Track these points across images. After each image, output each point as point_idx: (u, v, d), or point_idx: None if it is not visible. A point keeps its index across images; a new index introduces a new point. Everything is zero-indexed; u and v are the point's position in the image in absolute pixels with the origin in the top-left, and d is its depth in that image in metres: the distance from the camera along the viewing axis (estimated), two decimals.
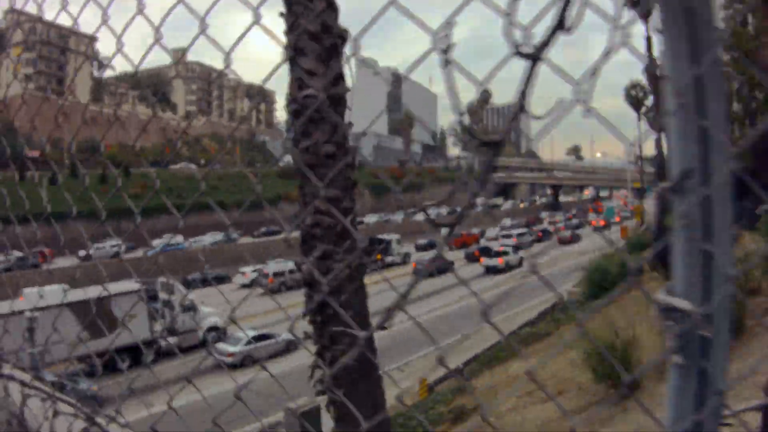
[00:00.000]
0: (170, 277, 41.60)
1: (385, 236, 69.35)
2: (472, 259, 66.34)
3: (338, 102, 5.64)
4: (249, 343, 34.33)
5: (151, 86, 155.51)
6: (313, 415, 16.84)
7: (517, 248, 67.31)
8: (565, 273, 54.81)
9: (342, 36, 5.58)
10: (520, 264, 61.08)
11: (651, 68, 66.16)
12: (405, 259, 67.64)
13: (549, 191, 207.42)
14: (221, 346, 35.08)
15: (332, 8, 5.52)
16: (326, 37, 5.39)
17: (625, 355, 12.13)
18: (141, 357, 30.88)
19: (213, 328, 38.95)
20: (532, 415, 12.28)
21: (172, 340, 35.89)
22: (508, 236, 78.49)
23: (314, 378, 5.66)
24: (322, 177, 5.32)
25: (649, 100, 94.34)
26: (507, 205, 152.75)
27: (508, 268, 59.06)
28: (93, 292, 25.54)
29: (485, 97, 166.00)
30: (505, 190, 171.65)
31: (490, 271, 58.77)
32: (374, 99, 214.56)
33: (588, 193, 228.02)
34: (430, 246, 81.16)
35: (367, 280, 28.26)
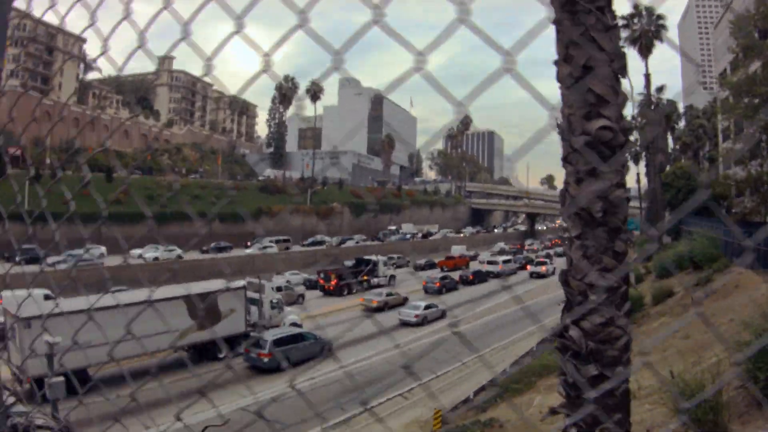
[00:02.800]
0: (261, 278, 45.01)
1: (372, 257, 68.66)
2: (467, 282, 66.74)
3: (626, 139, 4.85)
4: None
5: (134, 91, 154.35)
6: None
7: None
8: (556, 301, 54.93)
9: (623, 59, 4.86)
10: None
11: (648, 104, 67.07)
12: (390, 281, 67.34)
13: (523, 219, 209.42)
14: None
15: (615, 26, 4.78)
16: (617, 59, 4.72)
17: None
18: (236, 347, 36.58)
19: (294, 324, 42.86)
20: None
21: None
22: (494, 263, 78.32)
23: None
24: (605, 226, 4.71)
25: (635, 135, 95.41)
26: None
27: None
28: (198, 288, 32.31)
29: (466, 122, 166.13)
30: (480, 217, 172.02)
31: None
32: (355, 118, 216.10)
33: (559, 222, 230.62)
34: (429, 266, 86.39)
35: (354, 300, 28.14)
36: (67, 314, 27.31)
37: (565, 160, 4.73)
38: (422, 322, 48.34)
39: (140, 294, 31.72)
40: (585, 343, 4.78)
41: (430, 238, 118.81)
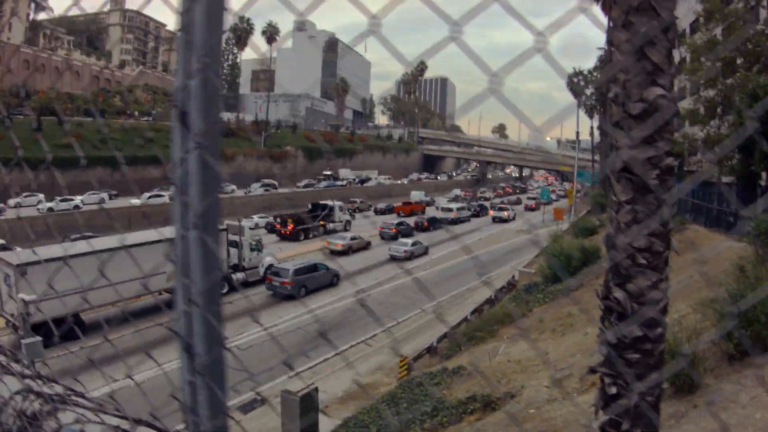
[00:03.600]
0: (240, 220, 45.38)
1: (328, 202, 68.89)
2: (422, 229, 67.51)
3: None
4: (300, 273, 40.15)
5: (87, 32, 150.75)
6: (312, 399, 16.90)
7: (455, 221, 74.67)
8: (509, 250, 56.16)
9: (676, 30, 5.13)
10: None
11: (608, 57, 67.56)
12: (346, 226, 67.96)
13: (474, 167, 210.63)
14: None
15: None
16: (672, 29, 5.00)
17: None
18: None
19: (270, 266, 42.39)
20: (583, 408, 12.15)
21: (240, 275, 41.50)
22: (448, 210, 79.44)
23: (600, 420, 5.33)
24: (655, 193, 5.02)
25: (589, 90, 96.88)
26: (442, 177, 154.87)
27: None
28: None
29: (421, 68, 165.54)
30: (432, 163, 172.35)
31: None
32: (310, 62, 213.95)
33: (510, 171, 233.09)
34: (389, 210, 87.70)
35: (311, 245, 28.49)
36: (64, 259, 28.00)
37: (617, 125, 5.05)
38: (410, 257, 53.36)
39: (119, 239, 32.60)
40: (630, 304, 5.18)
41: (365, 185, 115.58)
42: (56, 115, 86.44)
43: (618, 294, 5.22)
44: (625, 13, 4.80)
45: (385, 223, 64.78)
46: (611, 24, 5.11)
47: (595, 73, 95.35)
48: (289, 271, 39.79)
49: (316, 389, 17.15)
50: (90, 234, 47.01)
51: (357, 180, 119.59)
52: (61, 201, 66.09)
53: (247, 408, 22.50)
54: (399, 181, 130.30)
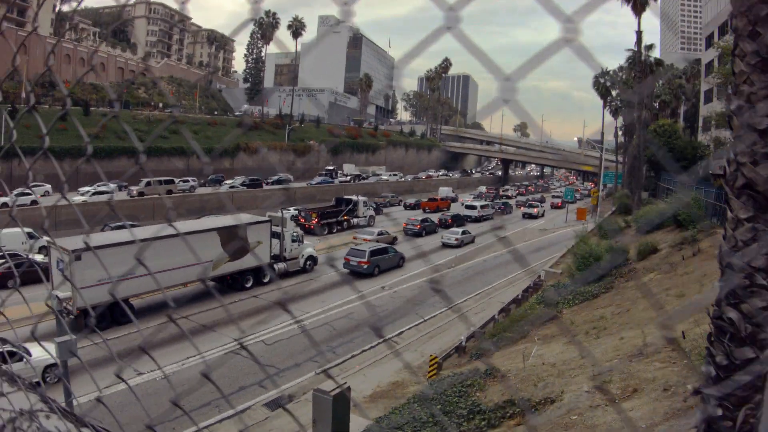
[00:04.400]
0: (282, 211, 46.94)
1: (353, 197, 69.10)
2: (446, 225, 66.86)
3: None
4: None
5: (112, 24, 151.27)
6: (344, 398, 16.73)
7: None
8: (533, 250, 55.88)
9: None
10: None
11: (638, 59, 67.30)
12: (370, 221, 67.87)
13: (494, 165, 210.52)
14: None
15: None
16: None
17: None
18: (262, 277, 39.93)
19: (310, 257, 45.42)
20: (634, 413, 11.88)
21: (281, 265, 42.97)
22: (472, 207, 79.23)
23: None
24: None
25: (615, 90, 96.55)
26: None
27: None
28: (228, 220, 33.47)
29: (445, 65, 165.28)
30: (455, 160, 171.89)
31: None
32: (333, 56, 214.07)
33: (529, 170, 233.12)
34: (418, 206, 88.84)
35: (336, 240, 28.29)
36: (120, 245, 29.17)
37: (738, 138, 4.79)
38: (460, 244, 58.32)
39: (167, 228, 33.43)
40: (744, 325, 4.91)
41: (361, 181, 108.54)
42: (81, 105, 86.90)
43: (732, 314, 4.97)
44: (752, 24, 4.55)
45: (410, 219, 64.80)
46: (736, 34, 4.86)
47: (621, 74, 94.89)
48: (366, 252, 44.89)
49: (349, 388, 16.95)
50: (131, 223, 50.84)
51: (362, 176, 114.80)
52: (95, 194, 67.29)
53: (274, 405, 22.35)
54: (403, 179, 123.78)
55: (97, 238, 31.47)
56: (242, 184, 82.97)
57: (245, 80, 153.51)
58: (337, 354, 28.31)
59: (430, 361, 24.21)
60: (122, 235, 33.94)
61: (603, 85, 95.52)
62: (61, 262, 29.77)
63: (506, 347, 23.87)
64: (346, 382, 17.05)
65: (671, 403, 11.51)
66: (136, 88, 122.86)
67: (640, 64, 65.68)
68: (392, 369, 26.22)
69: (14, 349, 23.60)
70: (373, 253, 45.28)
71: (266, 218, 42.44)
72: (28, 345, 24.25)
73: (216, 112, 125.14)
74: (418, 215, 74.32)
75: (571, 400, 13.52)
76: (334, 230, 62.45)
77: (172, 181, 74.45)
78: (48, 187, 66.37)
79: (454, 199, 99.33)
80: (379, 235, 54.89)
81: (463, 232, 60.13)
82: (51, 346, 23.86)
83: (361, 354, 28.51)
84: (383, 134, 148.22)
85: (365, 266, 44.10)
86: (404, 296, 38.61)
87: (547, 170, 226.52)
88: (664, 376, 13.16)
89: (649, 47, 75.28)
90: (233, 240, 37.80)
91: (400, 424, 16.05)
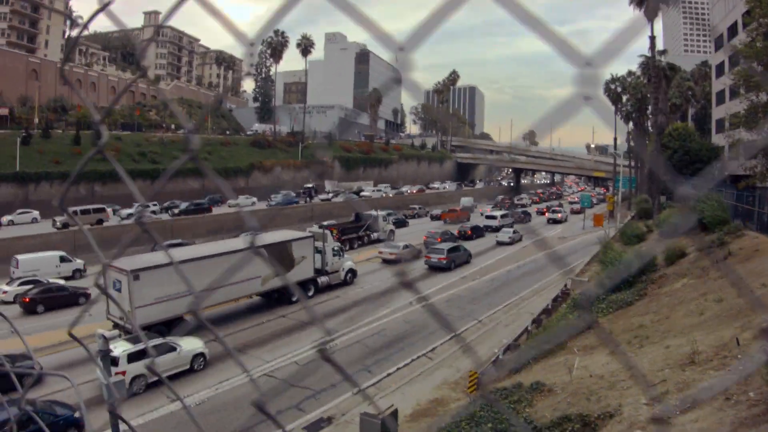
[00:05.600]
0: (323, 227, 50.12)
1: (372, 212, 69.69)
2: (465, 237, 67.48)
3: None
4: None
5: (121, 48, 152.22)
6: (392, 421, 16.57)
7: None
8: (555, 258, 55.73)
9: None
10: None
11: (653, 64, 67.27)
12: (390, 236, 67.97)
13: (507, 174, 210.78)
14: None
15: None
16: None
17: None
18: (306, 290, 41.74)
19: (351, 270, 47.21)
20: (693, 426, 11.63)
21: (323, 279, 43.91)
22: (492, 217, 79.14)
23: None
24: None
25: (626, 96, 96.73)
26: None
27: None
28: (273, 237, 36.19)
29: (453, 77, 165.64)
30: (465, 171, 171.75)
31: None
32: (341, 73, 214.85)
33: (536, 177, 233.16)
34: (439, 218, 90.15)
35: (358, 255, 28.21)
36: (183, 263, 29.84)
37: None
38: (512, 242, 66.56)
39: (211, 247, 38.58)
40: None
41: (332, 199, 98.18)
42: (93, 129, 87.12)
43: None
44: None
45: (430, 233, 64.65)
46: None
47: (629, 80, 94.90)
48: (444, 250, 52.65)
49: (396, 411, 16.79)
50: (179, 241, 53.41)
51: (344, 192, 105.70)
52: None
53: (313, 428, 22.19)
54: (389, 194, 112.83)
55: (152, 258, 32.18)
56: (185, 210, 75.60)
57: (255, 99, 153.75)
58: (372, 373, 28.10)
59: (470, 376, 24.01)
60: (176, 255, 35.31)
61: (614, 90, 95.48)
62: (117, 282, 30.52)
63: (545, 359, 23.62)
64: (393, 404, 16.82)
65: (736, 412, 11.30)
66: (147, 110, 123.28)
67: (654, 69, 65.60)
68: (430, 386, 26.07)
69: (168, 343, 27.32)
70: (450, 251, 52.98)
71: (309, 234, 44.45)
72: (176, 339, 27.73)
73: (228, 132, 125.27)
74: (438, 227, 74.89)
75: (631, 413, 13.31)
76: (355, 246, 62.66)
77: (103, 210, 67.35)
78: (36, 213, 66.84)
79: (471, 210, 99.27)
80: (404, 248, 55.09)
81: (514, 231, 68.64)
82: (196, 341, 28.49)
83: (396, 372, 28.35)
84: (394, 148, 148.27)
85: (444, 262, 51.78)
86: (432, 311, 38.35)
87: (557, 177, 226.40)
88: (723, 384, 12.95)
89: (663, 52, 75.29)
90: (280, 255, 39.08)
91: None
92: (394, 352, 30.68)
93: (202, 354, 28.61)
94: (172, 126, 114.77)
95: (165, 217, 71.66)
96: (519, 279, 47.49)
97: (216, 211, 77.85)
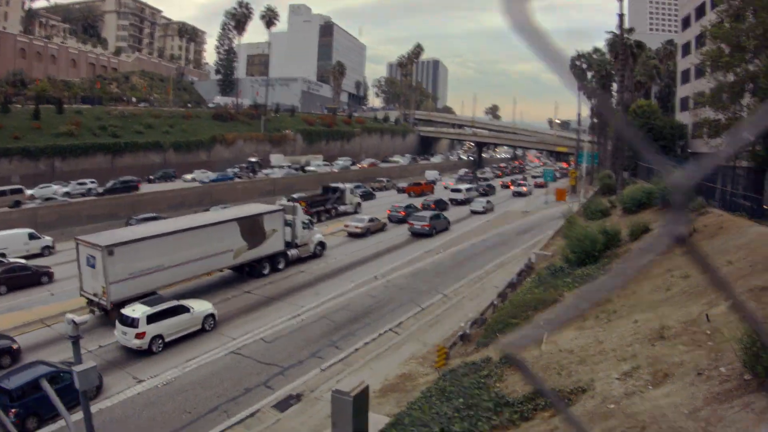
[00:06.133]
0: (293, 200, 50.50)
1: (339, 185, 70.04)
2: (428, 210, 66.85)
3: None
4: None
5: (82, 19, 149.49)
6: (364, 397, 16.47)
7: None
8: (519, 232, 56.04)
9: None
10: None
11: (621, 42, 67.50)
12: (357, 208, 68.68)
13: (466, 148, 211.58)
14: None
15: None
16: None
17: None
18: (277, 264, 42.00)
19: (320, 243, 47.69)
20: (666, 401, 11.68)
21: (293, 252, 44.12)
22: (458, 191, 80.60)
23: None
24: None
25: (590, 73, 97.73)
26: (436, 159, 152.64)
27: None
28: (247, 210, 36.82)
29: (418, 50, 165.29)
30: (428, 145, 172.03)
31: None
32: (305, 45, 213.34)
33: (497, 151, 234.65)
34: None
35: (326, 228, 28.12)
36: (152, 238, 31.68)
37: None
38: (485, 211, 70.98)
39: (186, 221, 38.66)
40: None
41: (256, 177, 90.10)
42: (53, 103, 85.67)
43: None
44: None
45: (394, 206, 64.78)
46: None
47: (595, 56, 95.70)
48: (427, 218, 56.62)
49: (367, 387, 16.69)
50: (153, 215, 54.43)
51: (286, 167, 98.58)
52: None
53: (283, 405, 22.06)
54: (334, 170, 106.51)
55: (126, 233, 33.29)
56: (111, 189, 69.02)
57: (217, 72, 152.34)
58: (339, 348, 28.02)
59: (438, 350, 23.99)
60: (150, 229, 35.58)
61: (579, 67, 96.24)
62: (92, 258, 30.43)
63: (513, 333, 23.63)
64: (364, 381, 16.70)
65: (709, 387, 11.35)
66: (108, 83, 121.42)
67: (622, 47, 65.93)
68: (398, 360, 26.03)
69: (182, 305, 29.41)
70: (432, 218, 56.91)
71: (280, 207, 44.47)
72: (188, 301, 29.99)
73: (189, 105, 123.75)
74: (403, 200, 76.31)
75: (604, 388, 13.34)
76: (323, 218, 63.10)
77: (20, 191, 61.89)
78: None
79: (434, 182, 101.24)
80: (370, 221, 55.69)
81: (488, 202, 74.18)
82: (206, 303, 31.14)
83: (363, 347, 28.30)
84: (357, 121, 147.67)
85: (427, 228, 55.26)
86: (398, 285, 38.46)
87: (519, 152, 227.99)
88: (693, 360, 12.96)
89: (630, 30, 75.73)
90: (252, 229, 39.34)
91: (425, 422, 15.83)
92: (361, 327, 30.63)
93: (212, 315, 30.54)
94: (133, 99, 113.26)
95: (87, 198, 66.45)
96: (482, 253, 47.58)
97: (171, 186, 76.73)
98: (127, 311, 27.81)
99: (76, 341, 15.99)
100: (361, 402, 16.11)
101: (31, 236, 46.67)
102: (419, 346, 27.89)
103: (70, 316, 16.03)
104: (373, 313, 32.92)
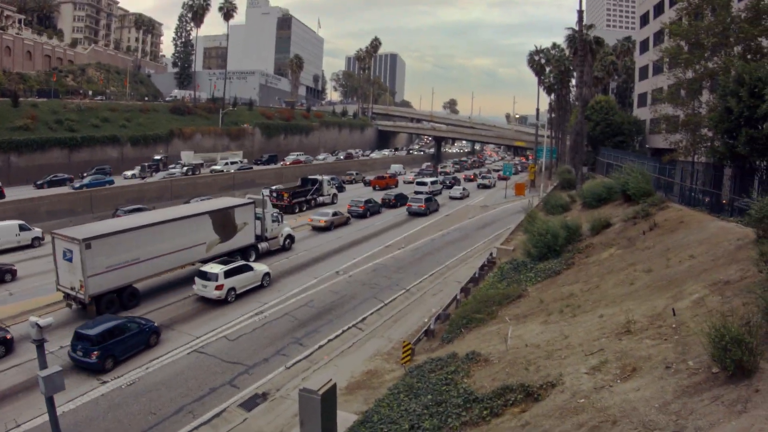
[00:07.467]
0: (263, 194, 50.28)
1: (317, 176, 71.84)
2: (389, 205, 69.25)
3: None
4: None
5: (37, 10, 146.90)
6: (332, 395, 16.34)
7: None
8: (478, 226, 56.25)
9: None
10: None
11: (581, 38, 67.98)
12: (333, 199, 70.96)
13: (424, 143, 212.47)
14: None
15: None
16: None
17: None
18: (248, 257, 42.20)
19: (289, 236, 48.08)
20: (635, 395, 11.74)
21: (264, 245, 45.06)
22: (423, 184, 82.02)
23: None
24: None
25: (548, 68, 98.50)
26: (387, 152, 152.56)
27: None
28: (219, 203, 37.57)
29: (375, 44, 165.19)
30: (386, 139, 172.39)
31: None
32: (263, 38, 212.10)
33: (454, 146, 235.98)
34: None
35: (302, 219, 27.92)
36: (129, 231, 31.99)
37: None
38: (462, 197, 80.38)
39: (160, 214, 38.93)
40: None
41: (154, 177, 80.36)
42: (8, 96, 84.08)
43: None
44: None
45: (354, 201, 64.86)
46: None
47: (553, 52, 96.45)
48: (423, 199, 65.81)
49: (335, 385, 16.56)
50: (138, 207, 54.64)
51: (192, 166, 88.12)
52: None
53: (249, 405, 21.87)
54: (253, 167, 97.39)
55: (103, 227, 33.23)
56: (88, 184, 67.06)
57: (174, 64, 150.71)
58: (303, 345, 27.83)
59: (404, 346, 23.92)
60: (125, 222, 36.30)
61: (538, 62, 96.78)
62: (68, 252, 30.24)
63: (477, 329, 23.68)
64: (331, 379, 16.55)
65: (678, 381, 11.44)
66: (64, 75, 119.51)
67: (581, 43, 66.45)
68: (363, 357, 25.96)
69: (248, 264, 36.63)
70: (426, 200, 66.11)
71: (250, 200, 44.85)
72: (250, 263, 36.95)
73: (147, 98, 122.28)
74: (369, 193, 79.50)
75: (573, 383, 13.37)
76: (304, 208, 65.56)
77: None
78: None
79: (398, 175, 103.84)
80: (333, 215, 56.00)
81: (464, 189, 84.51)
82: (263, 265, 37.67)
83: (327, 344, 28.17)
84: (315, 115, 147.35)
85: (423, 208, 64.72)
86: (360, 280, 38.41)
87: (477, 146, 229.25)
88: (660, 354, 13.05)
89: (590, 27, 76.45)
90: (223, 222, 39.87)
91: (394, 419, 15.80)
92: (324, 324, 30.50)
93: (268, 273, 37.14)
94: (90, 92, 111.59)
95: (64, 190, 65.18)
96: (442, 248, 47.72)
97: None
98: (206, 268, 33.76)
99: (40, 345, 15.56)
100: (329, 400, 15.92)
101: (22, 227, 46.53)
102: (384, 342, 27.89)
103: (33, 319, 15.59)
104: (336, 309, 32.81)
